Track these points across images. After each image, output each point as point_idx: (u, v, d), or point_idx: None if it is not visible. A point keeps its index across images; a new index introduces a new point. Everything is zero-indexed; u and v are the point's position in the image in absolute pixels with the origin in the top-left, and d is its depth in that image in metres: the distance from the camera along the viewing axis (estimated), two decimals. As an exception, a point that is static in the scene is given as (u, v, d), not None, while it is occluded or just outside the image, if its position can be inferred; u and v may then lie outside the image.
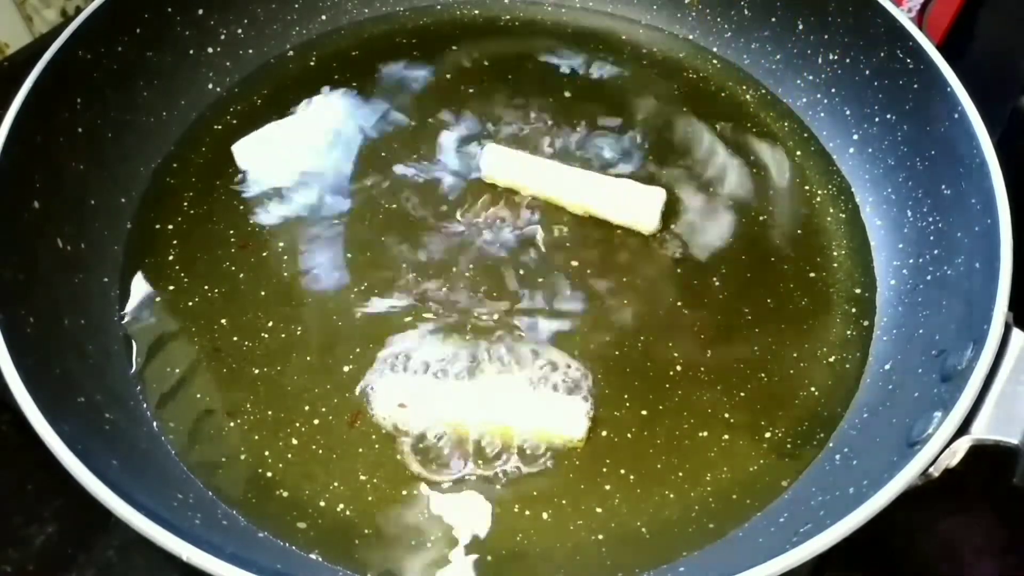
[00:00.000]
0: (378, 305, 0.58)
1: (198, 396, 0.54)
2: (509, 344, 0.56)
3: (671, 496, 0.51)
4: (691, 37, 0.74)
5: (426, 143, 0.67)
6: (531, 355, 0.55)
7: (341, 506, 0.50)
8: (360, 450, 0.52)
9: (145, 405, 0.54)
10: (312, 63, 0.72)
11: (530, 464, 0.51)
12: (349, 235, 0.62)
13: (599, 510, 0.50)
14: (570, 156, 0.66)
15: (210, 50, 0.69)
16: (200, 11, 0.68)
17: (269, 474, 0.51)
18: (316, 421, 0.53)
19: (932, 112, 0.58)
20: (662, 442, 0.53)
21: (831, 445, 0.53)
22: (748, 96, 0.71)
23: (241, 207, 0.63)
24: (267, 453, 0.52)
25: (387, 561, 0.48)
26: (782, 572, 0.40)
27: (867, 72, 0.64)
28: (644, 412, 0.54)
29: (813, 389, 0.56)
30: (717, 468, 0.52)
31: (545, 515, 0.50)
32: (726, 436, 0.53)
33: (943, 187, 0.57)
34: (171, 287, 0.59)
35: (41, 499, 0.55)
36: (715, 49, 0.73)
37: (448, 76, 0.71)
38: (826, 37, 0.67)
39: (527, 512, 0.50)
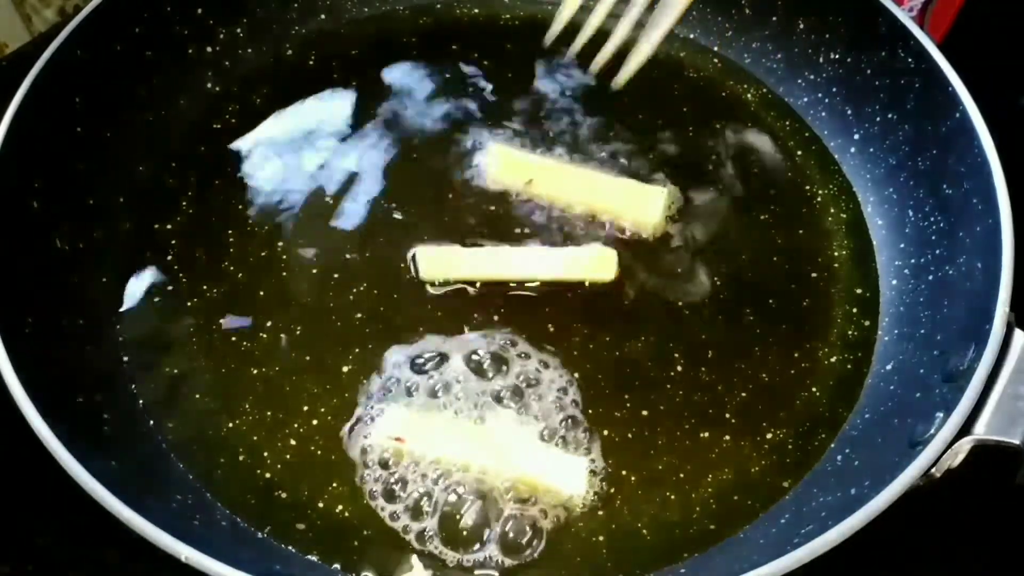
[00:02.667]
0: (377, 306, 0.58)
1: (197, 397, 0.54)
2: (511, 359, 0.56)
3: (672, 497, 0.51)
4: (691, 37, 0.74)
5: (427, 143, 0.67)
6: (536, 378, 0.54)
7: (340, 507, 0.50)
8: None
9: (144, 406, 0.54)
10: (312, 63, 0.72)
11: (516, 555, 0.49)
12: (349, 235, 0.61)
13: (600, 511, 0.50)
14: (571, 156, 0.66)
15: (210, 50, 0.69)
16: (200, 11, 0.68)
17: (268, 475, 0.51)
18: (315, 421, 0.53)
19: (933, 112, 0.58)
20: (662, 442, 0.53)
21: (833, 446, 0.53)
22: (749, 96, 0.71)
23: (241, 207, 0.63)
24: (266, 454, 0.52)
25: (386, 561, 0.48)
26: (784, 573, 0.40)
27: (868, 71, 0.64)
28: (644, 412, 0.54)
29: (814, 390, 0.56)
30: (718, 469, 0.52)
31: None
32: (727, 437, 0.53)
33: (944, 187, 0.57)
34: (171, 287, 0.59)
35: (41, 499, 0.54)
36: (716, 49, 0.73)
37: (448, 76, 0.71)
38: (827, 36, 0.67)
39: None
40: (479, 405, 0.53)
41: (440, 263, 0.59)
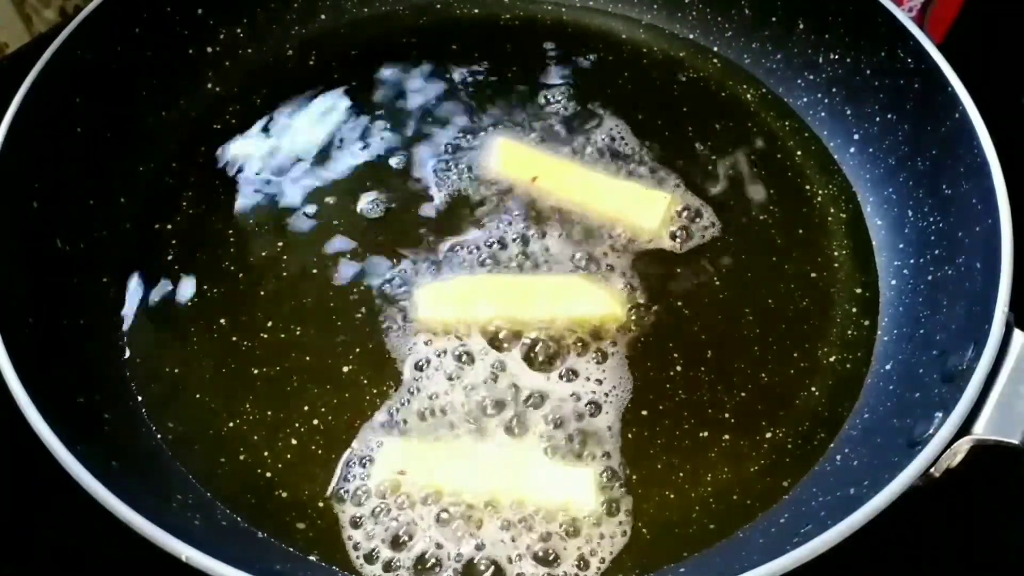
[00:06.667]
0: (377, 307, 0.58)
1: (197, 396, 0.54)
2: (510, 359, 0.56)
3: (671, 496, 0.51)
4: (691, 37, 0.74)
5: (427, 142, 0.67)
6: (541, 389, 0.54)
7: (340, 507, 0.50)
8: (360, 450, 0.52)
9: (144, 406, 0.54)
10: (312, 63, 0.72)
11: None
12: (349, 235, 0.62)
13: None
14: (572, 156, 0.66)
15: (210, 50, 0.69)
16: (200, 11, 0.68)
17: (268, 475, 0.51)
18: (316, 421, 0.53)
19: (933, 112, 0.58)
20: (662, 442, 0.53)
21: (832, 446, 0.53)
22: (748, 96, 0.71)
23: (241, 207, 0.63)
24: (266, 453, 0.52)
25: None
26: (783, 573, 0.40)
27: (868, 72, 0.64)
28: (644, 412, 0.54)
29: (814, 389, 0.56)
30: (717, 468, 0.52)
31: (545, 516, 0.50)
32: (727, 436, 0.53)
33: (944, 187, 0.57)
34: (170, 287, 0.59)
35: (41, 499, 0.54)
36: (715, 49, 0.73)
37: (448, 76, 0.71)
38: (827, 37, 0.67)
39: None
40: (477, 416, 0.53)
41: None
